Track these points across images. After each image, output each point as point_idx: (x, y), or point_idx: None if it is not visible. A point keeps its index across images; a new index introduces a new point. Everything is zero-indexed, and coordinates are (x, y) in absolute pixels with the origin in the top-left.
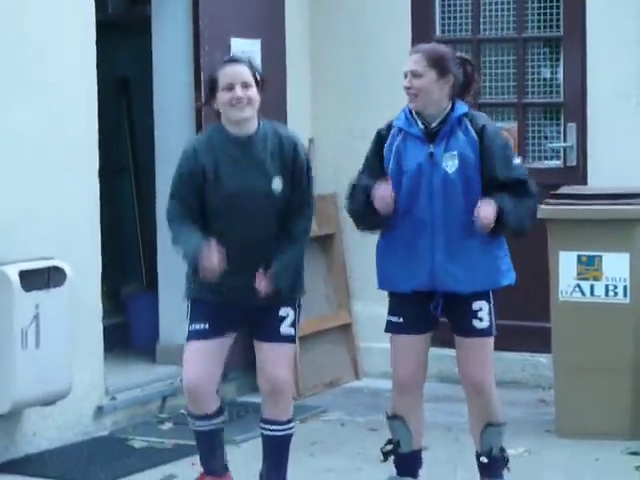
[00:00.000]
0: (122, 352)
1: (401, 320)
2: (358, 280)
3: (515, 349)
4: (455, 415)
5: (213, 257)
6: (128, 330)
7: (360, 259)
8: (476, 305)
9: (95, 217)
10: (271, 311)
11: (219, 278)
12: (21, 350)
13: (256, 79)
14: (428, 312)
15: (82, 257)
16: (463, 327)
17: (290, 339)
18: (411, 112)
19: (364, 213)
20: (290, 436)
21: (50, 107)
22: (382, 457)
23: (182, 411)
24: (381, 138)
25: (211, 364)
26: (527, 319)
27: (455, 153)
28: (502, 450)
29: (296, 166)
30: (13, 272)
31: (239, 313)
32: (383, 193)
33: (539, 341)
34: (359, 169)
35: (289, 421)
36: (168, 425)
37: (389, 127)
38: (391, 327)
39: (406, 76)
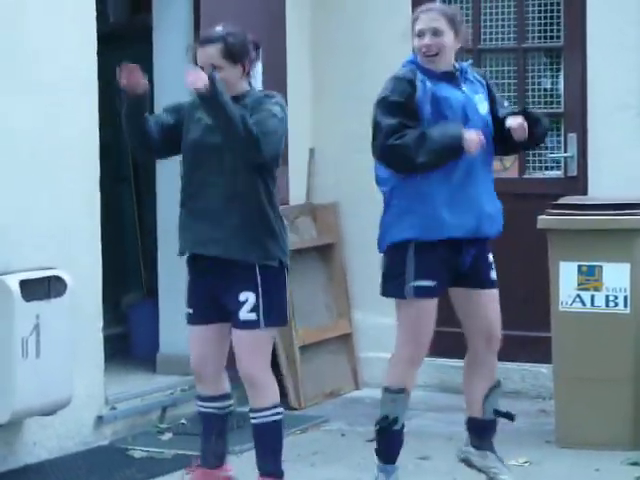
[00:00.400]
0: (122, 362)
1: (435, 284)
2: (358, 290)
3: (515, 359)
4: (456, 425)
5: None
6: (128, 340)
7: (361, 268)
8: (490, 256)
9: (96, 227)
10: (232, 292)
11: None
12: (21, 360)
13: (232, 55)
14: (454, 268)
15: (83, 267)
16: (483, 279)
17: (251, 325)
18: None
19: (445, 152)
20: (272, 423)
21: (49, 109)
22: (375, 436)
23: (182, 421)
24: (412, 84)
25: (208, 346)
26: (527, 329)
27: (482, 95)
28: (496, 412)
29: (259, 106)
30: (13, 282)
31: (212, 290)
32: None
33: (539, 351)
34: (387, 118)
35: (267, 408)
36: (168, 435)
37: (414, 74)
38: (423, 292)
39: (421, 35)
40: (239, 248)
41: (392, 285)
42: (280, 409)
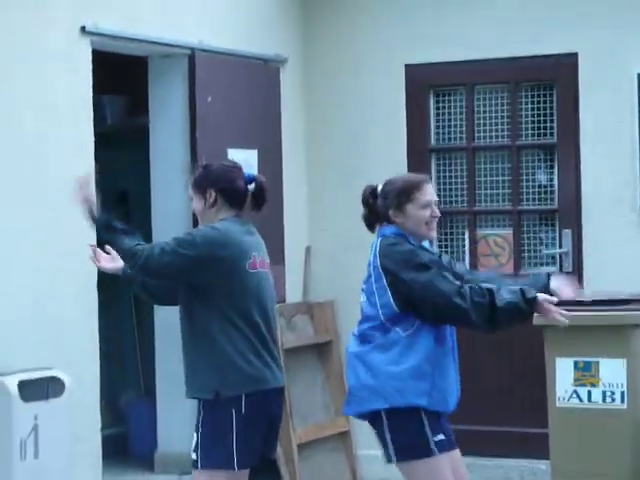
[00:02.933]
0: (121, 460)
1: (444, 437)
2: None
3: (514, 456)
4: None
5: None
6: (127, 438)
7: None
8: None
9: (94, 326)
10: None
11: None
12: (20, 461)
13: (196, 185)
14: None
15: (81, 366)
16: (453, 440)
17: (194, 465)
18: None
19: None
20: None
21: (49, 213)
22: None
23: None
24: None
25: None
26: (525, 425)
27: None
28: None
29: None
30: (12, 383)
31: None
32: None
33: (538, 447)
34: (437, 274)
35: None
36: None
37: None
38: (442, 446)
39: (429, 205)
40: (184, 379)
41: (416, 446)
42: None
